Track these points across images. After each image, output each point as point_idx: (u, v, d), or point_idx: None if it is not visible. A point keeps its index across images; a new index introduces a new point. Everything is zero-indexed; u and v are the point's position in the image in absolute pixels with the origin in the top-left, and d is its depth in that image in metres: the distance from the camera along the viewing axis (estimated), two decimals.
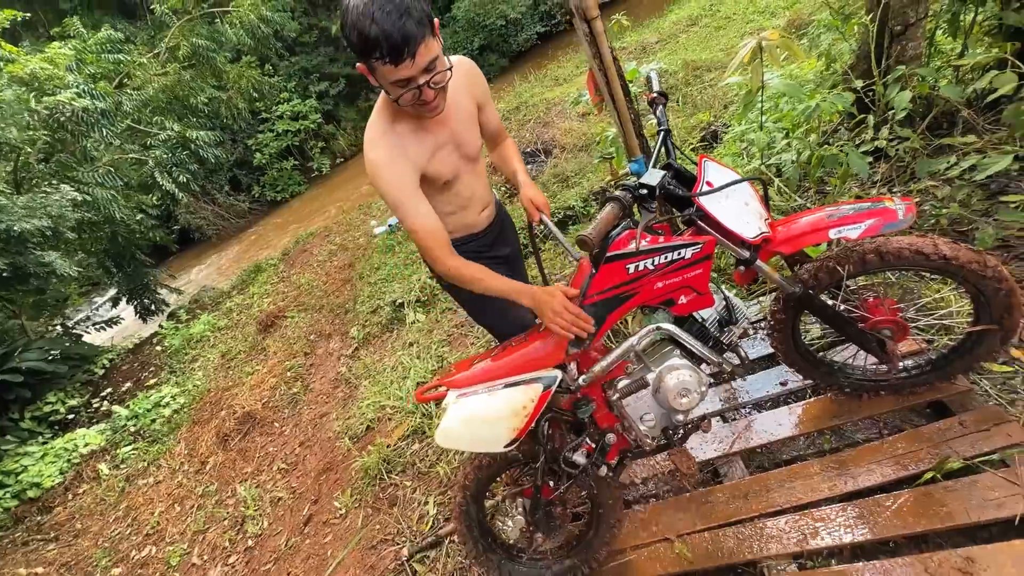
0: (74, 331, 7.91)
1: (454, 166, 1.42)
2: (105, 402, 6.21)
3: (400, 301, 4.72)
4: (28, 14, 8.66)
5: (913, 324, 1.48)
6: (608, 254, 1.23)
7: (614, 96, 1.63)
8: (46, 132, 5.94)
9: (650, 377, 1.30)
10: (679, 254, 1.20)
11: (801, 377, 1.61)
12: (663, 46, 8.78)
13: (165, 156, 7.65)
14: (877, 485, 1.35)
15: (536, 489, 1.42)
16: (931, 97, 2.20)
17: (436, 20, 1.15)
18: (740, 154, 3.29)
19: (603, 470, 1.39)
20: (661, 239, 1.24)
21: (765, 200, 1.35)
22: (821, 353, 1.56)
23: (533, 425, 1.32)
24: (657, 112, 1.42)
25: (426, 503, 2.36)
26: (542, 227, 1.53)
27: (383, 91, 1.25)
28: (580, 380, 1.35)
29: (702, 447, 1.68)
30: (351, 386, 4.16)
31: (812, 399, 1.64)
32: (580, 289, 1.28)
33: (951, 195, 2.00)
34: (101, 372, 7.09)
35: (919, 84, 2.11)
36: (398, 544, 2.24)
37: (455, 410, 1.29)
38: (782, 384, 1.72)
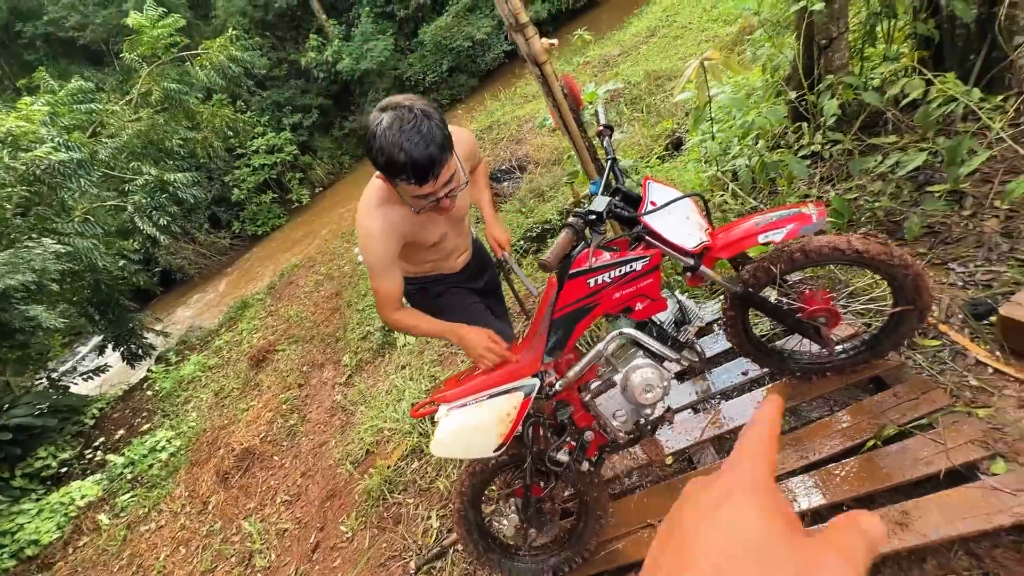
0: (60, 383, 7.82)
1: (442, 231, 1.59)
2: (99, 452, 6.17)
3: None
4: None
5: (846, 310, 1.66)
6: (570, 271, 1.39)
7: (568, 128, 1.81)
8: (23, 187, 5.98)
9: (617, 378, 1.45)
10: (631, 267, 1.36)
11: (758, 366, 1.78)
12: (625, 58, 9.12)
13: (144, 200, 7.69)
14: (829, 456, 1.51)
15: (526, 488, 1.56)
16: (860, 101, 2.43)
17: (450, 135, 1.27)
18: (700, 160, 3.51)
19: (585, 465, 1.54)
20: (617, 255, 1.41)
21: (706, 212, 1.53)
22: (772, 343, 1.74)
23: (518, 430, 1.46)
24: (604, 143, 1.59)
25: (429, 517, 2.47)
26: (504, 264, 1.72)
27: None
28: (557, 385, 1.50)
29: (677, 438, 1.83)
30: (348, 413, 4.24)
31: (770, 384, 1.81)
32: (548, 304, 1.43)
33: (882, 190, 2.21)
34: (91, 422, 7.04)
35: (845, 91, 2.33)
36: (405, 559, 2.34)
37: (447, 422, 1.43)
38: (744, 374, 1.88)
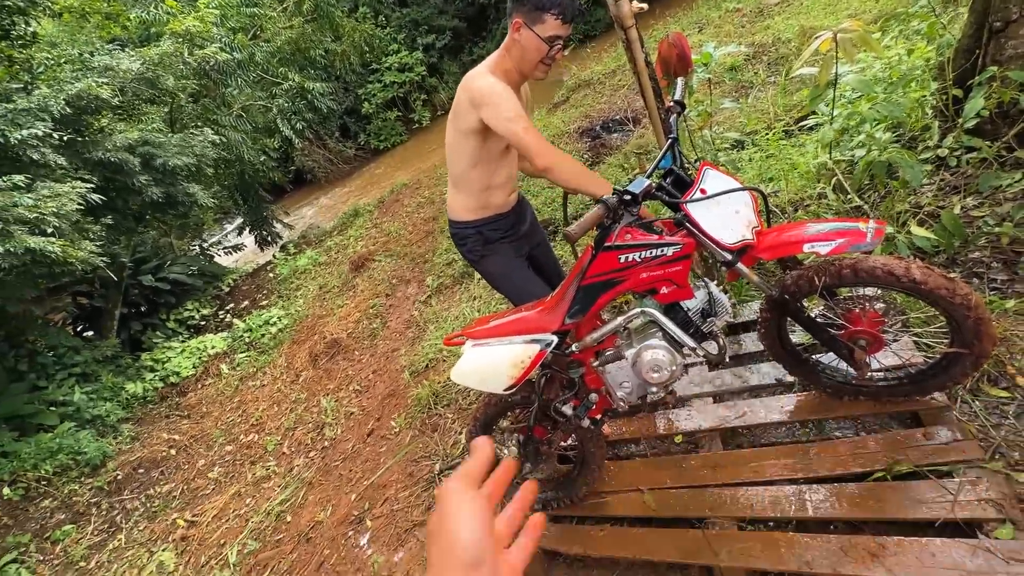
0: (208, 252, 9.36)
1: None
2: (228, 315, 7.42)
3: None
4: None
5: (896, 340, 1.54)
6: (605, 244, 1.45)
7: (645, 98, 1.78)
8: (195, 81, 6.95)
9: (629, 352, 1.53)
10: (661, 251, 1.39)
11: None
12: (784, 8, 8.02)
13: (286, 104, 8.56)
14: (833, 476, 1.50)
15: (529, 428, 1.73)
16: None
17: None
18: (820, 144, 3.16)
19: (586, 423, 1.67)
20: (657, 237, 1.44)
21: (764, 210, 1.48)
22: (808, 354, 1.68)
23: (532, 376, 1.62)
24: (670, 119, 1.56)
25: (460, 433, 2.79)
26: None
27: (496, 58, 1.69)
28: (573, 347, 1.61)
29: (692, 420, 1.88)
30: (420, 328, 4.69)
31: (801, 393, 1.76)
32: (580, 269, 1.52)
33: (1011, 213, 1.90)
34: (227, 289, 8.40)
35: (1003, 90, 1.97)
36: (433, 461, 2.71)
37: (469, 355, 1.62)
38: (777, 380, 1.85)
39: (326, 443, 3.79)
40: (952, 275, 1.25)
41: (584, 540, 1.69)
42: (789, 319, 1.56)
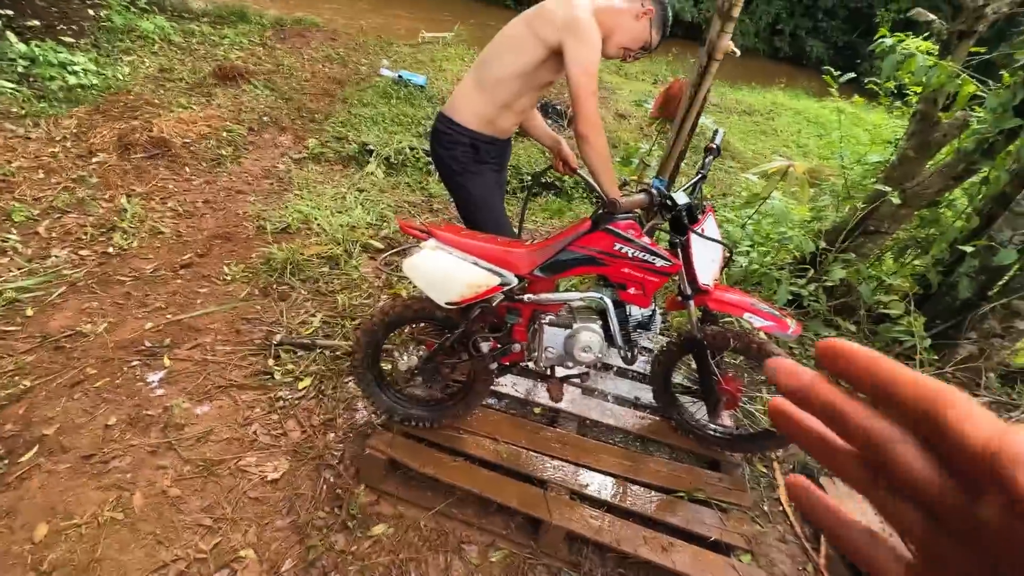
0: None
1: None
2: None
3: (372, 148, 4.66)
4: None
5: (741, 406, 1.99)
6: (609, 226, 1.52)
7: (683, 125, 1.92)
8: None
9: (574, 325, 1.63)
10: (653, 259, 1.53)
11: (652, 399, 2.08)
12: (715, 112, 9.23)
13: None
14: (645, 482, 1.84)
15: (440, 349, 1.71)
16: (854, 288, 2.79)
17: None
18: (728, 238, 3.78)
19: (494, 366, 1.72)
20: (652, 244, 1.57)
21: (725, 266, 1.74)
22: (675, 391, 2.03)
23: (474, 303, 1.59)
24: (706, 160, 1.73)
25: (314, 315, 2.54)
26: (578, 176, 1.87)
27: (604, 10, 1.67)
28: (525, 297, 1.65)
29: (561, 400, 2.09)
30: (283, 185, 4.09)
31: (648, 414, 2.12)
32: (573, 234, 1.57)
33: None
34: None
35: (852, 273, 2.68)
36: (274, 330, 2.41)
37: (430, 254, 1.52)
38: (636, 399, 2.18)
39: (111, 249, 3.03)
40: None
41: (437, 464, 1.73)
42: (683, 360, 1.86)
